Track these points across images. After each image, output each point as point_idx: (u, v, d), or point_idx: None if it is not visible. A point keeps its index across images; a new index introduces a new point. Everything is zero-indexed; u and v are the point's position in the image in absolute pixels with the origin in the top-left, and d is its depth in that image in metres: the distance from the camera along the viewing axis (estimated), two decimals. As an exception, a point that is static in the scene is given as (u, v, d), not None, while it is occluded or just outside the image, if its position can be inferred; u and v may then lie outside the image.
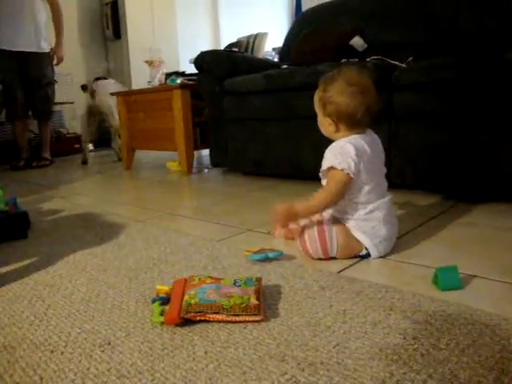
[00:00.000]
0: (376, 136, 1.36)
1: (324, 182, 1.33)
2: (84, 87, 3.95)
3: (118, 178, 3.24)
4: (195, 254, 1.40)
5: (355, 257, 1.32)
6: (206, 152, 3.44)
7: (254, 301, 0.96)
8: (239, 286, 1.02)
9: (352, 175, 1.23)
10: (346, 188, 1.26)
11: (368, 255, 1.30)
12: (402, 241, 1.45)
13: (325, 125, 1.32)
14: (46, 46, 3.97)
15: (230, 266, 1.28)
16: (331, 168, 1.26)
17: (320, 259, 1.31)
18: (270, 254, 1.29)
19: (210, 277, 1.07)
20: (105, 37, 5.63)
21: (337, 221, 1.33)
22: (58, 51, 4.02)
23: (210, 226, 1.75)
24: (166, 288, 1.06)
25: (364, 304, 1.02)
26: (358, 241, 1.29)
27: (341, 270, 1.24)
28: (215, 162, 2.92)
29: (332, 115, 1.28)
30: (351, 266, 1.27)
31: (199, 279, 1.05)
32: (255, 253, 1.31)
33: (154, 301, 1.02)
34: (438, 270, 1.10)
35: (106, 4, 5.45)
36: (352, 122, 1.28)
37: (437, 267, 1.11)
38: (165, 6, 5.70)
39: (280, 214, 1.33)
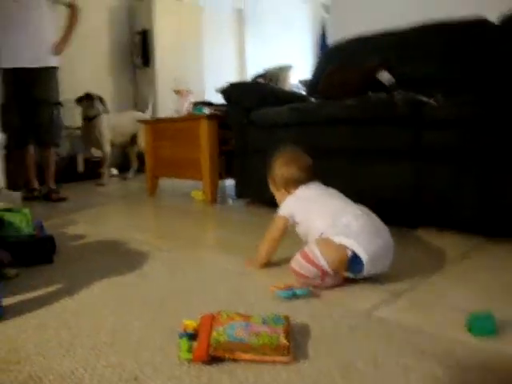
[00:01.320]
0: (322, 185, 1.61)
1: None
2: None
3: (141, 205, 3.26)
4: (220, 287, 1.39)
5: (350, 269, 1.34)
6: (229, 182, 3.45)
7: (283, 341, 0.95)
8: (268, 324, 1.01)
9: (288, 217, 1.54)
10: (282, 231, 1.56)
11: (355, 255, 1.31)
12: (430, 281, 1.43)
13: (280, 197, 1.64)
14: (54, 62, 3.53)
15: (257, 302, 1.27)
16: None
17: (332, 290, 1.28)
18: (298, 292, 1.28)
19: (238, 314, 1.06)
20: (134, 64, 5.76)
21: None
22: (60, 43, 3.56)
23: (234, 258, 1.74)
24: (193, 323, 1.05)
25: (395, 347, 0.99)
26: (339, 244, 1.33)
27: (370, 310, 1.21)
28: (239, 193, 2.92)
29: (281, 184, 1.62)
30: (380, 304, 1.24)
31: (227, 315, 1.03)
32: (282, 289, 1.30)
33: (181, 336, 1.01)
34: (473, 315, 1.07)
35: (136, 33, 5.59)
36: (297, 182, 1.58)
37: (471, 312, 1.08)
38: (193, 36, 5.82)
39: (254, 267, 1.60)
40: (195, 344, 0.97)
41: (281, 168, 1.62)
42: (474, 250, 1.75)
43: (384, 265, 1.38)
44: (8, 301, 1.32)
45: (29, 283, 1.48)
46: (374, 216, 1.45)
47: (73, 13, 3.58)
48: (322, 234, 1.41)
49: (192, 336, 1.01)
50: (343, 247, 1.32)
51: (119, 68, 5.68)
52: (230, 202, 3.14)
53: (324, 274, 1.33)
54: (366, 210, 1.46)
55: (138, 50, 5.57)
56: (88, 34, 5.30)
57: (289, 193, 1.60)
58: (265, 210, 2.70)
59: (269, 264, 1.60)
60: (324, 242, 1.36)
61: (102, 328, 1.12)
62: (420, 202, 2.02)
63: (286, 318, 1.05)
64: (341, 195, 1.56)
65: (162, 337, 1.06)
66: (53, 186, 3.62)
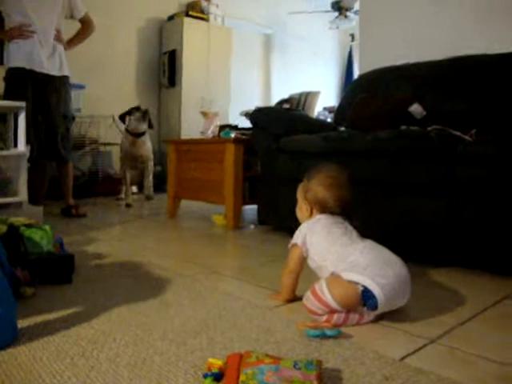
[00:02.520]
0: (343, 220, 1.52)
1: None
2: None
3: (161, 226, 3.21)
4: (246, 323, 1.31)
5: (363, 306, 1.30)
6: (249, 207, 3.40)
7: (316, 389, 0.88)
8: (299, 369, 0.93)
9: (301, 246, 1.48)
10: (298, 262, 1.50)
11: (366, 291, 1.27)
12: (466, 327, 1.34)
13: (302, 208, 1.58)
14: (69, 73, 3.43)
15: (284, 341, 1.19)
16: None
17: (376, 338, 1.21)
18: (328, 332, 1.20)
19: (267, 355, 0.98)
20: (160, 84, 5.80)
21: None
22: (67, 42, 3.45)
23: (259, 291, 1.67)
24: (219, 362, 0.98)
25: (436, 403, 0.91)
26: (349, 281, 1.29)
27: (404, 357, 1.13)
28: (262, 219, 2.86)
29: (310, 200, 1.54)
30: (414, 352, 1.16)
31: (257, 357, 0.96)
32: (312, 328, 1.22)
33: (205, 376, 0.94)
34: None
35: (165, 53, 5.64)
36: (325, 208, 1.51)
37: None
38: (221, 59, 5.86)
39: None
40: (221, 386, 0.90)
41: (319, 186, 1.52)
42: (506, 293, 1.66)
43: (400, 297, 1.34)
44: (23, 323, 1.27)
45: (46, 304, 1.43)
46: (383, 249, 1.41)
47: (86, 28, 3.55)
48: (332, 272, 1.37)
49: (218, 376, 0.94)
50: (353, 284, 1.29)
51: (145, 87, 5.72)
52: (252, 227, 3.07)
53: (332, 311, 1.30)
54: (374, 244, 1.42)
55: (166, 69, 5.61)
56: (116, 53, 5.38)
57: (311, 212, 1.55)
58: (287, 239, 2.62)
59: (296, 297, 1.53)
60: (333, 279, 1.34)
61: (120, 361, 1.06)
62: (451, 238, 1.94)
63: (319, 363, 0.97)
64: (353, 230, 1.50)
65: (185, 375, 0.99)
66: (71, 202, 3.56)
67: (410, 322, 1.35)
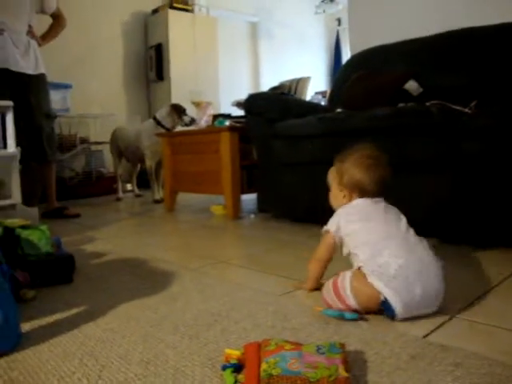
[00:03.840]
0: (385, 203, 1.38)
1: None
2: None
3: (160, 221, 3.15)
4: (259, 311, 1.26)
5: (380, 311, 1.19)
6: (248, 196, 3.35)
7: (343, 372, 0.82)
8: (323, 353, 0.88)
9: (334, 233, 1.35)
10: (329, 250, 1.38)
11: (387, 301, 1.15)
12: (484, 301, 1.30)
13: (338, 197, 1.42)
14: (45, 70, 3.28)
15: (302, 326, 1.14)
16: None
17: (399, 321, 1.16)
18: (347, 315, 1.15)
19: (287, 341, 0.93)
20: (148, 78, 5.71)
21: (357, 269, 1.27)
22: (40, 38, 3.29)
23: (268, 278, 1.62)
24: (236, 352, 0.93)
25: (468, 380, 0.86)
26: (372, 286, 1.17)
27: (426, 335, 1.09)
28: (262, 207, 2.81)
29: (347, 185, 1.37)
30: (436, 329, 1.12)
31: (276, 344, 0.91)
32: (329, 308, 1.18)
33: (224, 368, 0.89)
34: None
35: (151, 47, 5.55)
36: (364, 192, 1.35)
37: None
38: (207, 49, 5.78)
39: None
40: (242, 377, 0.85)
41: (356, 168, 1.35)
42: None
43: (425, 309, 1.19)
44: (26, 326, 1.21)
45: (48, 306, 1.37)
46: (419, 249, 1.23)
47: (58, 23, 3.39)
48: (361, 266, 1.23)
49: (237, 367, 0.89)
50: (376, 291, 1.16)
51: (133, 82, 5.64)
52: (252, 216, 3.02)
53: (348, 308, 1.21)
54: (412, 241, 1.25)
55: (153, 63, 5.52)
56: (101, 49, 5.30)
57: (349, 197, 1.38)
58: (290, 226, 2.59)
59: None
60: (358, 280, 1.21)
61: (131, 358, 1.00)
62: (458, 214, 1.90)
63: (342, 346, 0.92)
64: (393, 218, 1.32)
65: (202, 369, 0.94)
66: (57, 204, 3.43)
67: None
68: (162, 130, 3.94)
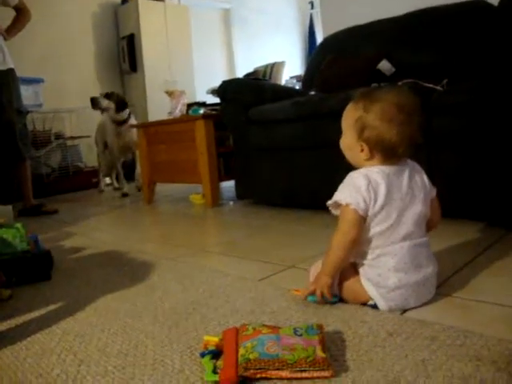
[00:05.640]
0: (414, 166, 1.17)
1: (335, 212, 1.17)
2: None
3: (139, 213, 3.13)
4: (238, 297, 1.26)
5: (364, 305, 1.13)
6: (226, 184, 3.34)
7: (320, 353, 0.83)
8: (301, 335, 0.89)
9: (361, 212, 1.07)
10: (356, 227, 1.09)
11: (376, 306, 1.11)
12: (460, 275, 1.32)
13: (355, 150, 1.14)
14: (13, 65, 3.15)
15: (281, 310, 1.15)
16: (339, 203, 1.12)
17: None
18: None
19: (265, 325, 0.93)
20: (121, 70, 5.63)
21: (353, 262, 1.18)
22: (4, 31, 3.15)
23: (246, 264, 1.62)
24: (215, 339, 0.93)
25: (444, 353, 0.88)
26: (364, 290, 1.12)
27: (404, 311, 1.10)
28: (240, 194, 2.80)
29: (370, 142, 1.09)
30: (416, 305, 1.13)
31: (253, 328, 0.91)
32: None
33: (203, 355, 0.89)
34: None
35: (123, 38, 5.47)
36: (390, 154, 1.11)
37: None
38: (180, 38, 5.71)
39: (319, 292, 1.13)
40: (220, 363, 0.85)
41: (383, 123, 1.06)
42: (497, 240, 1.64)
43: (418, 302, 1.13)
44: (3, 326, 1.20)
45: (25, 304, 1.36)
46: (424, 258, 1.13)
47: (22, 15, 3.24)
48: (359, 265, 1.15)
49: (216, 354, 0.89)
50: (367, 295, 1.12)
51: (107, 74, 5.56)
52: (231, 204, 3.01)
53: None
54: (419, 241, 1.13)
55: (125, 54, 5.44)
56: (72, 42, 5.21)
57: (369, 154, 1.12)
58: (268, 211, 2.59)
59: (289, 266, 1.48)
60: (352, 283, 1.14)
61: (110, 351, 1.00)
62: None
63: (320, 327, 0.93)
64: (409, 204, 1.12)
65: (181, 357, 0.94)
66: (34, 201, 3.35)
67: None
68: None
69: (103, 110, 3.91)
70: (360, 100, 1.12)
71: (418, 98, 1.11)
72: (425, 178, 1.18)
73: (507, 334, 0.93)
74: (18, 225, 1.75)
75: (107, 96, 3.88)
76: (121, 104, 3.90)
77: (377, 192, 1.08)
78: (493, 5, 2.46)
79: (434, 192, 1.20)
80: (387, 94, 1.10)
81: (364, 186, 1.08)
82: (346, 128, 1.16)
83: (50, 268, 1.67)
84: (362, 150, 1.12)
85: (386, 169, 1.11)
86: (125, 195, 3.98)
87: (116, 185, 4.58)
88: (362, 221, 1.09)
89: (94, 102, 3.83)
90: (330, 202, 1.15)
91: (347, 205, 1.09)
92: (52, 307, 1.32)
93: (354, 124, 1.11)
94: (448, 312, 1.09)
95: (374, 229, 1.10)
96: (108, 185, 4.79)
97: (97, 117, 4.49)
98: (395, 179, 1.11)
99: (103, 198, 4.22)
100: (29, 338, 1.10)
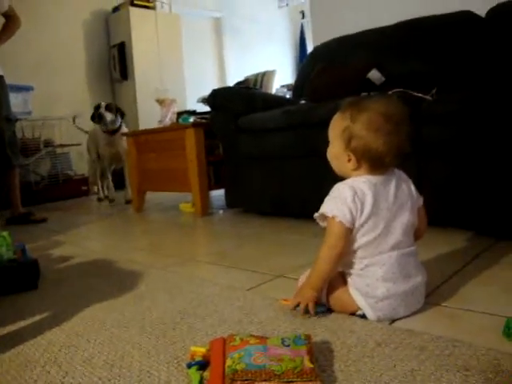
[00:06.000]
0: (401, 175, 1.17)
1: (322, 224, 1.15)
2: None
3: (128, 222, 3.11)
4: (226, 306, 1.25)
5: (352, 315, 1.13)
6: (216, 192, 3.33)
7: (308, 364, 0.82)
8: (288, 345, 0.88)
9: (347, 224, 1.07)
10: (343, 240, 1.08)
11: (365, 316, 1.11)
12: (449, 284, 1.32)
13: (342, 159, 1.13)
14: (3, 72, 3.13)
15: (269, 320, 1.14)
16: (325, 215, 1.11)
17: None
18: (318, 309, 1.15)
19: (252, 336, 0.93)
20: (112, 78, 5.63)
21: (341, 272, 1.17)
22: None
23: (235, 273, 1.61)
24: (202, 349, 0.92)
25: (432, 363, 0.87)
26: (353, 300, 1.11)
27: (393, 321, 1.09)
28: (230, 203, 2.80)
29: (357, 152, 1.08)
30: (404, 316, 1.13)
31: (241, 339, 0.90)
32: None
33: (189, 366, 0.88)
34: (510, 320, 0.96)
35: (114, 46, 5.46)
36: (378, 164, 1.10)
37: (508, 317, 0.97)
38: (171, 47, 5.72)
39: (303, 306, 1.13)
40: (207, 374, 0.84)
41: (370, 133, 1.06)
42: (486, 248, 1.65)
43: (407, 312, 1.13)
44: (-13, 336, 1.18)
45: (11, 314, 1.34)
46: (412, 267, 1.12)
47: (12, 22, 3.19)
48: (351, 274, 1.13)
49: (202, 365, 0.88)
50: (355, 305, 1.11)
51: (97, 83, 5.55)
52: (221, 212, 3.00)
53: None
54: (408, 251, 1.12)
55: (116, 63, 5.44)
56: (62, 50, 5.20)
57: (356, 164, 1.11)
58: (258, 220, 2.59)
59: (278, 275, 1.47)
60: (340, 293, 1.14)
61: (96, 362, 0.98)
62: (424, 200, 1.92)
63: (308, 338, 0.92)
64: (398, 214, 1.12)
65: (168, 368, 0.93)
66: (22, 209, 3.30)
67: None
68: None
69: (104, 124, 3.89)
70: (347, 110, 1.11)
71: (406, 107, 1.10)
72: (412, 186, 1.18)
73: (496, 344, 0.93)
74: (5, 233, 1.72)
75: (108, 108, 3.87)
76: (121, 115, 3.94)
77: (363, 202, 1.08)
78: (480, 16, 2.49)
79: (420, 201, 1.20)
80: (374, 104, 1.09)
81: (350, 197, 1.07)
82: (334, 138, 1.15)
83: (36, 277, 1.64)
84: (349, 160, 1.11)
85: (373, 179, 1.11)
86: (111, 201, 4.02)
87: (102, 194, 4.51)
88: (349, 232, 1.09)
89: (101, 117, 3.82)
90: (316, 215, 1.14)
91: (333, 217, 1.08)
92: (38, 317, 1.30)
93: (341, 134, 1.11)
94: (437, 321, 1.09)
95: (362, 239, 1.09)
96: (95, 193, 4.76)
97: (87, 125, 4.48)
98: (382, 189, 1.11)
99: (92, 206, 4.19)
100: (13, 350, 1.09)
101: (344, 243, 1.08)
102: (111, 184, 4.15)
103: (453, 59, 2.51)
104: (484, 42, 2.39)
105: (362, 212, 1.08)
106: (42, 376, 0.94)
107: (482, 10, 2.46)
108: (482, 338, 0.97)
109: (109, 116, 3.83)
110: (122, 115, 3.97)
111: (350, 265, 1.13)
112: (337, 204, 1.08)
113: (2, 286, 1.52)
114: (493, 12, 2.41)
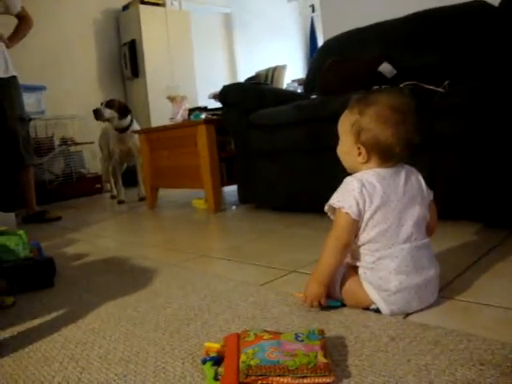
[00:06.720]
0: (411, 169, 1.17)
1: (332, 216, 1.17)
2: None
3: (142, 219, 3.13)
4: (240, 302, 1.26)
5: (366, 309, 1.13)
6: (229, 188, 3.33)
7: (322, 359, 0.83)
8: (302, 341, 0.88)
9: (354, 216, 1.08)
10: (348, 232, 1.09)
11: (379, 310, 1.11)
12: (462, 278, 1.31)
13: (352, 154, 1.14)
14: (16, 72, 3.17)
15: (282, 315, 1.14)
16: (333, 206, 1.13)
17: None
18: (331, 303, 1.15)
19: (266, 331, 0.93)
20: (123, 76, 5.66)
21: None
22: (7, 39, 3.16)
23: (249, 269, 1.62)
24: (216, 345, 0.92)
25: (447, 357, 0.87)
26: (366, 295, 1.11)
27: (407, 315, 1.09)
28: (243, 198, 2.80)
29: (367, 144, 1.10)
30: (417, 310, 1.12)
31: (255, 335, 0.91)
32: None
33: (204, 361, 0.89)
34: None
35: (124, 44, 5.49)
36: (388, 156, 1.11)
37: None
38: (182, 44, 5.73)
39: (309, 302, 1.15)
40: (222, 370, 0.85)
41: (378, 125, 1.08)
42: (499, 242, 1.63)
43: (421, 305, 1.13)
44: (5, 333, 1.20)
45: (28, 311, 1.36)
46: (425, 259, 1.12)
47: (24, 23, 3.24)
48: (360, 268, 1.13)
49: (217, 360, 0.88)
50: (368, 299, 1.11)
51: (109, 81, 5.58)
52: (234, 208, 3.01)
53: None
54: (420, 243, 1.11)
55: (127, 60, 5.46)
56: (74, 48, 5.23)
57: (366, 156, 1.12)
58: (271, 215, 2.59)
59: (291, 271, 1.47)
60: (353, 287, 1.13)
61: (112, 358, 1.00)
62: (435, 192, 1.91)
63: (322, 332, 0.92)
64: (409, 206, 1.11)
65: (183, 364, 0.94)
66: (37, 208, 3.34)
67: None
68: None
69: (107, 120, 3.87)
70: (355, 105, 1.14)
71: (412, 98, 1.13)
72: (421, 181, 1.18)
73: (508, 337, 0.93)
74: (21, 232, 1.76)
75: (108, 104, 3.82)
76: (123, 111, 3.85)
77: (372, 194, 1.09)
78: (493, 5, 2.46)
79: (431, 195, 1.20)
80: (381, 97, 1.11)
81: (357, 189, 1.08)
82: (343, 133, 1.17)
83: (52, 275, 1.66)
84: (360, 154, 1.13)
85: (382, 171, 1.12)
86: (120, 202, 3.98)
87: (115, 191, 4.53)
88: (355, 224, 1.10)
89: (98, 114, 3.79)
90: (326, 207, 1.16)
91: (340, 208, 1.10)
92: (54, 314, 1.32)
93: (350, 129, 1.13)
94: (451, 315, 1.08)
95: (373, 230, 1.09)
96: (108, 191, 4.79)
97: (99, 123, 4.50)
98: (391, 181, 1.12)
99: (107, 204, 4.22)
100: (31, 346, 1.10)
101: (349, 235, 1.10)
102: (120, 184, 4.12)
103: (466, 50, 2.48)
104: (498, 32, 2.36)
105: (370, 203, 1.08)
106: (59, 372, 0.96)
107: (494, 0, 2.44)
108: (497, 331, 0.97)
109: (107, 112, 3.78)
110: (127, 112, 3.88)
111: (363, 258, 1.13)
112: (344, 196, 1.10)
113: (19, 284, 1.55)
114: (506, 1, 2.39)
